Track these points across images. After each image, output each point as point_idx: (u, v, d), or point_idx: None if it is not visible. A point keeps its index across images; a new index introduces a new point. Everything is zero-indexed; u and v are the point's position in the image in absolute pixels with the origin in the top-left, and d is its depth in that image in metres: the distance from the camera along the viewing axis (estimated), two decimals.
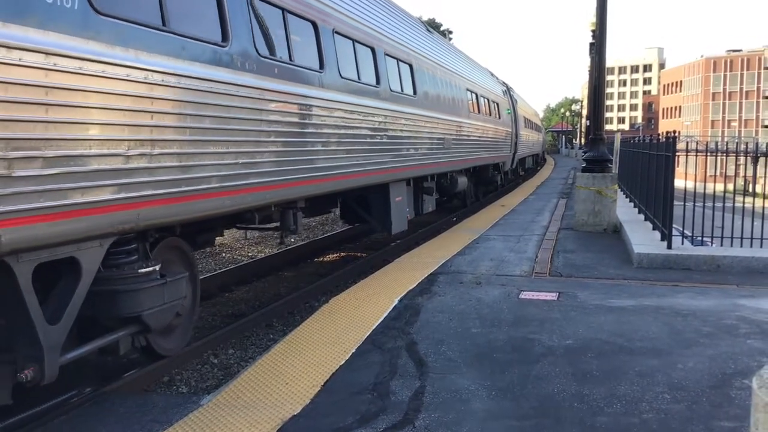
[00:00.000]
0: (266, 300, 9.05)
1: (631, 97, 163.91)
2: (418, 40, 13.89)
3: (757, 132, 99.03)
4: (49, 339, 4.34)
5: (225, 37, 6.14)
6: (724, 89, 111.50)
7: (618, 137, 25.12)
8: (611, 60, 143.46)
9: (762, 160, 11.06)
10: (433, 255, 10.17)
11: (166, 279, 5.56)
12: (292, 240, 14.08)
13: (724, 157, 11.73)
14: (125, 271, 5.23)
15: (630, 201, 15.97)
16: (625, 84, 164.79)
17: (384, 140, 10.45)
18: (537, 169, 45.39)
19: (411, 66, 12.44)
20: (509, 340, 5.85)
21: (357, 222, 12.50)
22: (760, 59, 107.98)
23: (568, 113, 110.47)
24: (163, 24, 5.29)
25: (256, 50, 6.62)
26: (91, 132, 4.49)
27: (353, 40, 9.49)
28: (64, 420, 4.79)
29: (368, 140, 9.76)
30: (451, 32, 67.81)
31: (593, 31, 16.16)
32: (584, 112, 74.35)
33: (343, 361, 5.36)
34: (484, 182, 21.91)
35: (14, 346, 4.32)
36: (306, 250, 12.71)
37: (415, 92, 12.43)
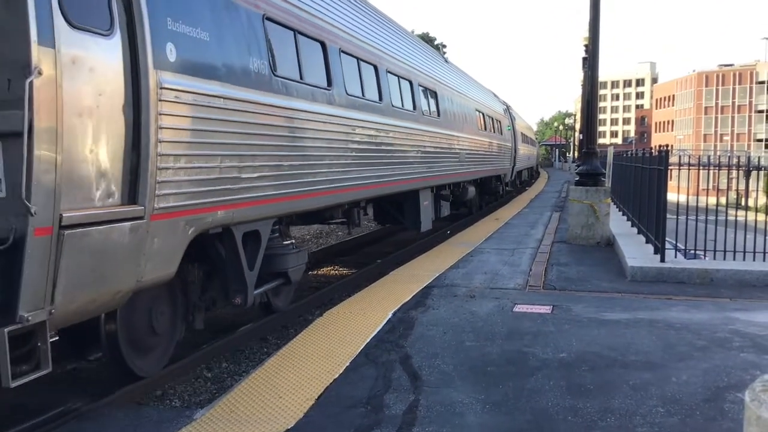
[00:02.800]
0: (258, 314, 9.02)
1: (623, 111, 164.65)
2: (440, 70, 16.68)
3: (749, 146, 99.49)
4: (249, 278, 6.70)
5: (329, 83, 8.70)
6: (717, 103, 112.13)
7: (611, 151, 25.24)
8: (604, 74, 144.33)
9: (754, 173, 11.13)
10: (428, 268, 10.18)
11: (299, 249, 8.16)
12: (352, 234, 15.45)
13: (717, 171, 11.80)
14: (276, 242, 7.62)
15: (623, 214, 16.02)
16: (617, 98, 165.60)
17: (418, 155, 12.88)
18: (531, 182, 45.89)
19: (436, 93, 14.97)
20: (503, 354, 5.85)
21: (388, 222, 14.55)
22: (751, 74, 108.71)
23: (561, 127, 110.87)
24: (301, 79, 7.90)
25: (346, 90, 9.22)
26: (267, 152, 6.95)
27: (398, 76, 12.19)
28: None
29: (409, 155, 12.26)
30: (445, 46, 68.13)
31: (586, 45, 16.31)
32: (577, 126, 74.68)
33: (337, 375, 5.35)
34: (488, 192, 24.05)
35: (227, 284, 6.67)
36: None
37: (439, 114, 14.91)
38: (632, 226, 13.57)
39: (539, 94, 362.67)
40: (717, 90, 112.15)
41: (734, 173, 12.05)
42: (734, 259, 9.76)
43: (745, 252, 9.79)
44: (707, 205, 12.97)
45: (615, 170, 19.97)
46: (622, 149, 27.42)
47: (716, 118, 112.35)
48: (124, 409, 5.23)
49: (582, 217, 12.75)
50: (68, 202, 4.34)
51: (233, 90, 6.24)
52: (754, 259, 9.72)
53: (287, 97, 7.38)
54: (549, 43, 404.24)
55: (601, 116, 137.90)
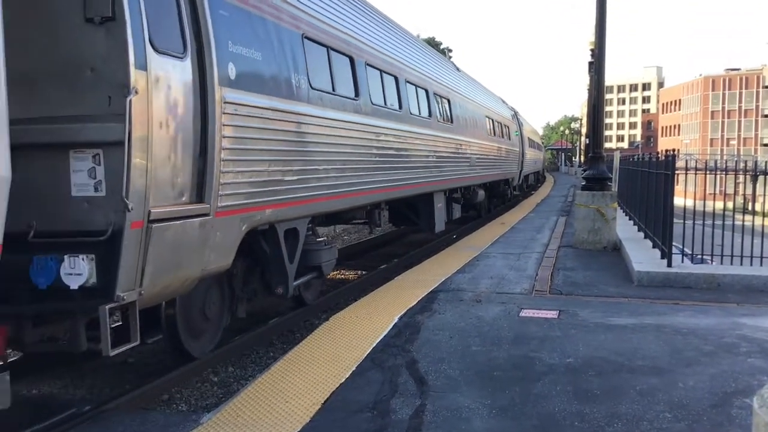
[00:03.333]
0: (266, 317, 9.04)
1: (630, 115, 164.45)
2: (453, 78, 17.53)
3: (755, 150, 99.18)
4: (290, 271, 7.48)
5: (357, 94, 9.52)
6: (723, 108, 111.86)
7: (617, 155, 25.19)
8: (610, 79, 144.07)
9: (761, 178, 11.08)
10: (434, 272, 10.17)
11: (331, 245, 9.00)
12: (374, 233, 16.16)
13: (724, 176, 11.77)
14: (310, 239, 8.38)
15: (630, 219, 15.98)
16: (624, 102, 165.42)
17: (433, 159, 13.61)
18: (537, 186, 46.18)
19: (449, 100, 15.73)
20: (510, 358, 5.84)
21: (403, 224, 15.18)
22: (758, 78, 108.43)
23: (567, 131, 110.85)
24: (333, 90, 8.71)
25: (371, 100, 9.99)
26: (305, 157, 7.67)
27: (415, 86, 12.94)
28: None
29: (425, 159, 12.98)
30: (450, 50, 68.24)
31: (592, 50, 16.30)
32: (584, 130, 74.62)
33: (343, 380, 5.35)
34: (496, 195, 24.79)
35: (269, 276, 7.43)
36: None
37: (452, 121, 15.70)
38: (639, 230, 13.53)
39: (545, 99, 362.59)
40: (724, 94, 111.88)
41: (741, 178, 12.00)
42: (741, 264, 9.73)
43: (752, 257, 9.76)
44: (714, 209, 12.93)
45: (621, 175, 19.93)
46: (628, 153, 27.36)
47: (723, 122, 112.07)
48: (131, 414, 5.24)
49: (588, 222, 12.72)
50: (154, 200, 5.10)
51: (279, 102, 7.08)
52: (761, 264, 9.68)
53: (322, 107, 8.23)
54: (555, 47, 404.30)
55: (607, 120, 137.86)
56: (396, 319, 7.20)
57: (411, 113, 12.20)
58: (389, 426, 4.41)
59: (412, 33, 15.29)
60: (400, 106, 11.64)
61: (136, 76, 4.88)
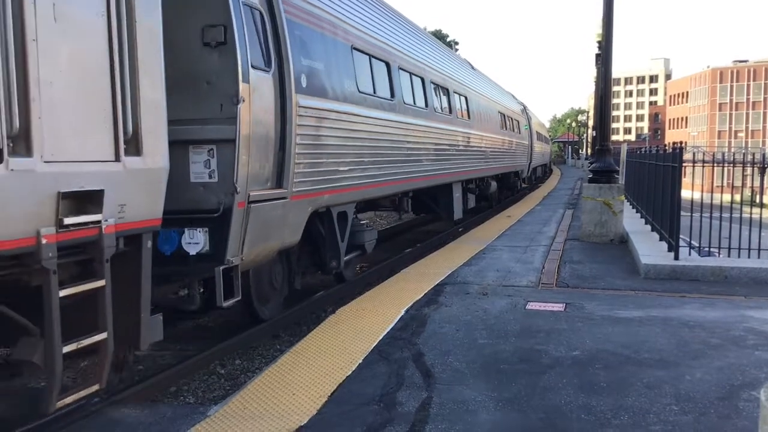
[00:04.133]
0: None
1: (637, 107, 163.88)
2: (469, 77, 18.84)
3: (764, 143, 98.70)
4: (342, 248, 8.75)
5: (393, 95, 10.75)
6: (731, 100, 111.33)
7: (624, 148, 25.11)
8: (617, 71, 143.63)
9: None
10: (440, 265, 10.17)
11: (372, 227, 10.63)
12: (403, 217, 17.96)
13: (731, 168, 11.72)
14: (356, 222, 9.71)
15: (637, 212, 15.95)
16: (631, 95, 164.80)
17: (453, 152, 14.82)
18: (544, 178, 46.48)
19: (467, 98, 17.00)
20: (516, 351, 5.84)
21: (423, 212, 16.38)
22: (766, 70, 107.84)
23: (574, 124, 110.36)
24: (375, 93, 9.94)
25: (403, 100, 11.18)
26: (353, 150, 8.96)
27: (437, 85, 14.10)
28: (71, 430, 4.81)
29: (446, 152, 14.13)
30: (457, 43, 68.03)
31: (599, 42, 16.20)
32: (590, 123, 74.31)
33: (349, 372, 5.36)
34: (506, 186, 25.77)
35: (324, 253, 8.59)
36: None
37: (469, 117, 16.99)
38: (646, 223, 13.50)
39: (552, 91, 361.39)
40: (731, 86, 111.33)
41: (749, 170, 11.95)
42: (749, 256, 9.70)
43: (759, 249, 9.72)
44: (721, 202, 12.87)
45: (628, 167, 19.86)
46: (635, 146, 27.34)
47: (730, 114, 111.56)
48: (139, 406, 5.27)
49: (595, 215, 12.70)
50: (252, 185, 6.43)
51: (336, 105, 8.43)
52: None
53: (366, 107, 9.54)
54: (562, 39, 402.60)
55: (614, 113, 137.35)
56: (402, 312, 7.21)
57: (435, 111, 13.42)
58: (396, 418, 4.42)
59: (426, 31, 17.05)
60: (426, 104, 12.88)
61: (242, 88, 6.20)
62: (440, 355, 5.75)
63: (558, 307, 7.48)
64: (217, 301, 6.04)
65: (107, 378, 4.62)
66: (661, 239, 10.95)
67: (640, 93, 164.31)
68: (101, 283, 4.42)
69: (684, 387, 4.92)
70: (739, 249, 9.77)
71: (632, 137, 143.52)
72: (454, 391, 4.89)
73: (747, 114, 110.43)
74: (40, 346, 4.18)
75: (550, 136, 75.10)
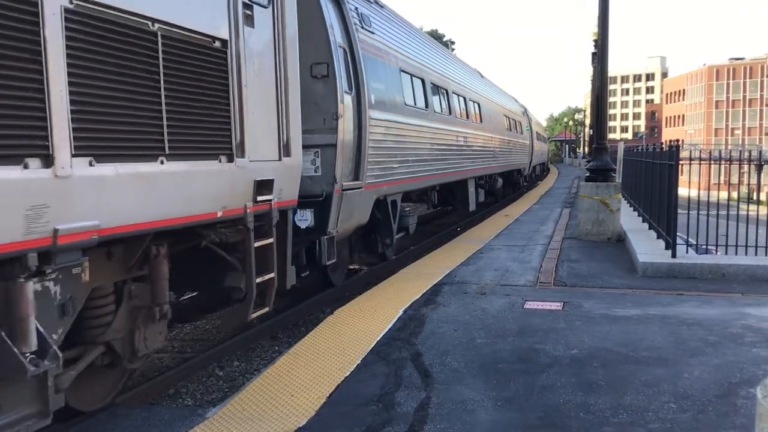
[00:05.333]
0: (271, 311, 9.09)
1: (634, 106, 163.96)
2: (481, 85, 21.43)
3: (760, 140, 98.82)
4: (394, 228, 10.73)
5: (426, 105, 12.96)
6: (727, 97, 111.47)
7: (621, 146, 25.11)
8: (613, 69, 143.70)
9: (766, 168, 11.05)
10: (438, 265, 10.18)
11: (413, 214, 12.82)
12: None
13: (728, 166, 11.73)
14: (402, 209, 11.63)
15: (634, 210, 15.96)
16: (627, 93, 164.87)
17: (469, 152, 16.97)
18: (543, 175, 47.52)
19: (479, 104, 19.35)
20: (514, 351, 5.85)
21: (441, 205, 18.15)
22: (763, 67, 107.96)
23: (571, 122, 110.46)
24: (413, 105, 12.01)
25: (433, 109, 13.44)
26: (402, 151, 11.04)
27: (457, 94, 16.26)
28: None
29: (463, 152, 16.30)
30: (453, 42, 68.03)
31: (595, 40, 16.23)
32: (587, 122, 74.35)
33: (348, 373, 5.36)
34: (510, 183, 27.90)
35: (380, 233, 10.66)
36: None
37: (481, 121, 19.25)
38: (643, 221, 13.51)
39: (549, 90, 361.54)
40: (728, 84, 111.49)
41: (746, 167, 11.97)
42: (746, 254, 9.71)
43: (757, 247, 9.74)
44: (718, 199, 12.89)
45: (625, 166, 19.88)
46: (632, 144, 27.46)
47: (727, 112, 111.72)
48: (137, 408, 5.27)
49: (592, 213, 12.71)
50: (342, 178, 8.57)
51: (391, 116, 10.54)
52: (766, 254, 9.66)
53: (409, 116, 11.62)
54: (558, 38, 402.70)
55: (611, 111, 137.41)
56: (400, 312, 7.21)
57: (456, 117, 15.69)
58: (394, 419, 4.42)
59: (435, 40, 19.20)
60: (450, 112, 15.11)
61: (340, 108, 8.48)
62: (438, 355, 5.75)
63: (556, 306, 7.48)
64: (321, 260, 8.18)
65: (271, 305, 6.43)
66: (658, 237, 10.97)
67: (637, 91, 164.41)
68: (271, 240, 6.28)
69: (682, 385, 4.93)
70: (737, 246, 9.79)
71: (629, 136, 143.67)
72: (453, 391, 4.89)
73: (743, 111, 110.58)
74: (243, 278, 5.97)
75: (547, 135, 75.31)
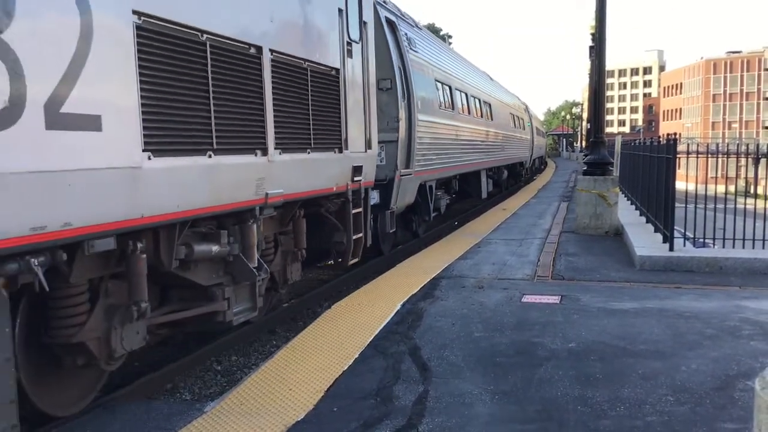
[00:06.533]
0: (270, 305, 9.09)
1: (631, 99, 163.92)
2: (491, 88, 24.44)
3: (757, 133, 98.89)
4: (430, 208, 13.49)
5: (447, 106, 15.16)
6: (725, 91, 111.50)
7: (619, 140, 25.13)
8: (611, 63, 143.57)
9: (763, 161, 11.06)
10: (435, 259, 10.18)
11: (444, 197, 15.28)
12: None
13: (725, 159, 11.74)
14: (435, 193, 14.11)
15: (631, 203, 15.97)
16: (625, 87, 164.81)
17: (482, 146, 19.63)
18: (542, 168, 48.56)
19: (490, 105, 22.13)
20: (512, 344, 5.85)
21: (456, 193, 19.62)
22: (760, 60, 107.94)
23: (568, 116, 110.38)
24: (444, 107, 14.69)
25: (452, 107, 15.75)
26: (437, 145, 13.74)
27: (474, 96, 19.11)
28: (66, 428, 4.79)
29: (479, 147, 18.95)
30: (450, 36, 67.94)
31: (593, 34, 16.22)
32: (585, 115, 74.29)
33: (346, 367, 5.36)
34: (513, 175, 30.28)
35: (418, 213, 13.43)
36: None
37: (492, 119, 21.99)
38: (641, 215, 13.52)
39: (546, 83, 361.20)
40: (725, 77, 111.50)
41: (743, 161, 11.98)
42: (743, 247, 9.72)
43: (754, 240, 9.75)
44: (716, 193, 12.90)
45: (623, 159, 19.89)
46: (630, 138, 27.54)
47: (724, 105, 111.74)
48: (135, 403, 5.26)
49: (590, 207, 12.72)
50: (401, 167, 11.03)
51: (430, 117, 13.10)
52: (763, 247, 9.67)
53: (441, 117, 14.18)
54: (556, 31, 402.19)
55: (608, 105, 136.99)
56: (398, 306, 7.21)
57: (473, 116, 18.55)
58: (392, 412, 4.43)
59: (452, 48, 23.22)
60: (469, 112, 17.98)
61: (399, 113, 11.15)
62: (436, 348, 5.76)
63: (553, 299, 7.49)
64: (386, 228, 10.91)
65: (359, 255, 8.70)
66: (656, 231, 10.97)
67: (634, 85, 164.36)
68: (360, 209, 8.58)
69: (680, 378, 4.94)
70: (734, 240, 9.80)
71: (627, 129, 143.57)
72: (451, 385, 4.90)
73: (741, 105, 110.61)
74: (344, 235, 8.20)
75: (545, 129, 75.52)
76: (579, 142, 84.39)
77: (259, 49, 5.93)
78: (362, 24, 8.65)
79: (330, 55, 7.55)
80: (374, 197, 9.82)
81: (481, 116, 19.86)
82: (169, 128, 4.83)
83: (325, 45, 7.45)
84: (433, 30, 58.76)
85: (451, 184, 16.59)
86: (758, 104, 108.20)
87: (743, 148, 11.16)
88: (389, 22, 11.61)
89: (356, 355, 5.64)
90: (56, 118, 3.81)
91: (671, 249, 9.52)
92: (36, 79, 3.68)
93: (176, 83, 4.89)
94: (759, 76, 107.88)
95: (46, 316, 4.54)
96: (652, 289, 8.01)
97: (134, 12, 4.44)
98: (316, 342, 6.09)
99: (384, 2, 11.82)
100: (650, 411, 4.35)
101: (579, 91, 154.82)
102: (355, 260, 8.66)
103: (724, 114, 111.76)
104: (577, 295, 7.69)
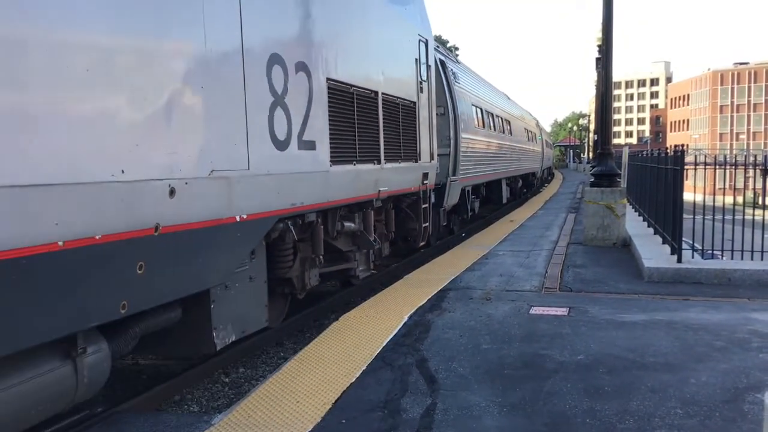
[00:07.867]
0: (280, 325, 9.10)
1: (638, 111, 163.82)
2: (509, 106, 28.23)
3: (765, 144, 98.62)
4: (468, 207, 17.30)
5: (479, 125, 18.83)
6: (732, 102, 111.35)
7: (626, 151, 25.11)
8: (618, 74, 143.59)
9: None
10: (443, 271, 10.17)
11: (478, 199, 19.10)
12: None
13: (733, 170, 11.71)
14: (471, 196, 17.78)
15: (639, 215, 15.93)
16: (632, 98, 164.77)
17: (503, 158, 22.92)
18: (549, 179, 49.68)
19: (509, 121, 25.86)
20: (520, 356, 5.83)
21: (484, 200, 22.98)
22: (767, 72, 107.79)
23: (575, 127, 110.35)
24: (477, 126, 18.61)
25: (483, 125, 19.40)
26: (474, 156, 17.28)
27: (495, 114, 22.41)
28: None
29: (500, 158, 22.30)
30: (457, 48, 68.10)
31: (599, 45, 16.24)
32: (592, 127, 74.26)
33: (353, 379, 5.36)
34: (526, 184, 33.02)
35: (457, 213, 16.93)
36: None
37: (511, 134, 25.69)
38: (648, 226, 13.48)
39: (553, 95, 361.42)
40: (732, 88, 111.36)
41: (751, 172, 11.95)
42: (752, 258, 9.69)
43: (763, 252, 9.72)
44: (724, 204, 12.87)
45: (630, 171, 19.87)
46: (637, 149, 27.59)
47: (732, 116, 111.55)
48: (143, 415, 5.27)
49: (598, 218, 12.70)
50: (451, 174, 14.41)
51: (469, 135, 16.23)
52: None
53: (475, 134, 17.40)
54: (563, 42, 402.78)
55: (615, 116, 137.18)
56: (406, 318, 7.21)
57: (497, 132, 21.94)
58: (400, 425, 4.42)
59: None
60: (494, 128, 21.37)
61: (451, 133, 14.66)
62: (444, 360, 5.75)
63: (561, 311, 7.47)
64: (440, 222, 13.92)
65: (426, 241, 11.50)
66: (663, 242, 10.94)
67: (641, 96, 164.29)
68: (426, 205, 11.07)
69: (689, 390, 4.91)
70: (743, 251, 9.77)
71: (634, 140, 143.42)
72: (459, 397, 4.89)
73: (748, 116, 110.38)
74: (416, 224, 10.87)
75: (552, 140, 75.71)
76: (586, 154, 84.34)
77: (376, 93, 8.92)
78: (428, 67, 11.63)
79: (411, 92, 10.53)
80: (432, 198, 12.13)
81: (503, 132, 23.61)
82: (340, 147, 7.65)
83: (409, 85, 10.51)
84: (441, 42, 59.02)
85: (480, 190, 19.47)
86: (766, 115, 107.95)
87: (751, 159, 11.13)
88: (441, 62, 14.98)
89: (364, 367, 5.63)
90: (301, 144, 6.65)
91: (679, 260, 9.48)
92: (295, 122, 6.53)
93: (342, 119, 7.79)
94: (766, 87, 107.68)
95: (272, 261, 7.04)
96: (660, 301, 7.98)
97: (327, 79, 7.36)
98: (324, 354, 6.08)
99: (437, 47, 14.82)
100: (659, 424, 4.33)
101: (586, 102, 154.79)
102: (423, 243, 11.50)
103: (732, 125, 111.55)
104: (586, 307, 7.67)
